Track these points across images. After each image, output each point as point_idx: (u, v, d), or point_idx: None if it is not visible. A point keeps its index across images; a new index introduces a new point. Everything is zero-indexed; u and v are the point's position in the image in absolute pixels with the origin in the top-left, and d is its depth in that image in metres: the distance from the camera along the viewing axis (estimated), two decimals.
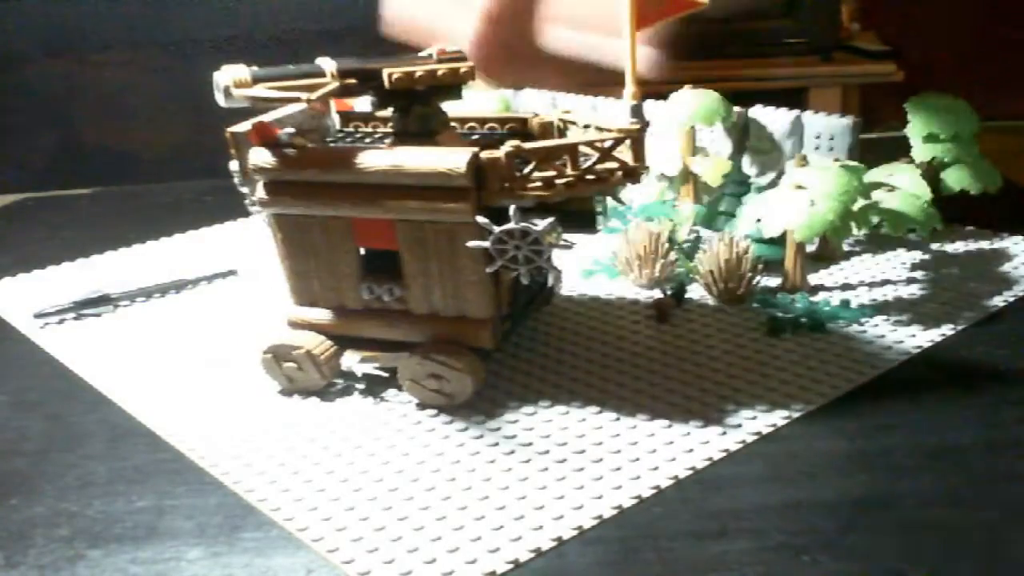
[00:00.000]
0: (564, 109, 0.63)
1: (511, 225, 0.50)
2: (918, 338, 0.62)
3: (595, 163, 0.53)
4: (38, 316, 0.71)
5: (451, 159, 0.51)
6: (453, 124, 0.60)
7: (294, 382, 0.58)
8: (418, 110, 0.56)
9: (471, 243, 0.52)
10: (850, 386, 0.56)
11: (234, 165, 0.57)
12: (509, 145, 0.51)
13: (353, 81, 0.54)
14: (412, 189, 0.52)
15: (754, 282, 0.68)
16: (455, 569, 0.42)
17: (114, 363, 0.64)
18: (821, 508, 0.46)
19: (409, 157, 0.52)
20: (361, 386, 0.58)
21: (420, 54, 0.57)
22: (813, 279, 0.71)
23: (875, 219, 0.67)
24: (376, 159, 0.53)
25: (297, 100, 0.52)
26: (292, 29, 1.44)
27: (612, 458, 0.50)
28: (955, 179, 0.75)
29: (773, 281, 0.70)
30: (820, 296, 0.68)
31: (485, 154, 0.51)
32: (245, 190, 0.57)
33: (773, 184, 0.67)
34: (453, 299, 0.55)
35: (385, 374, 0.57)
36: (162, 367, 0.63)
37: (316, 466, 0.51)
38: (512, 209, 0.51)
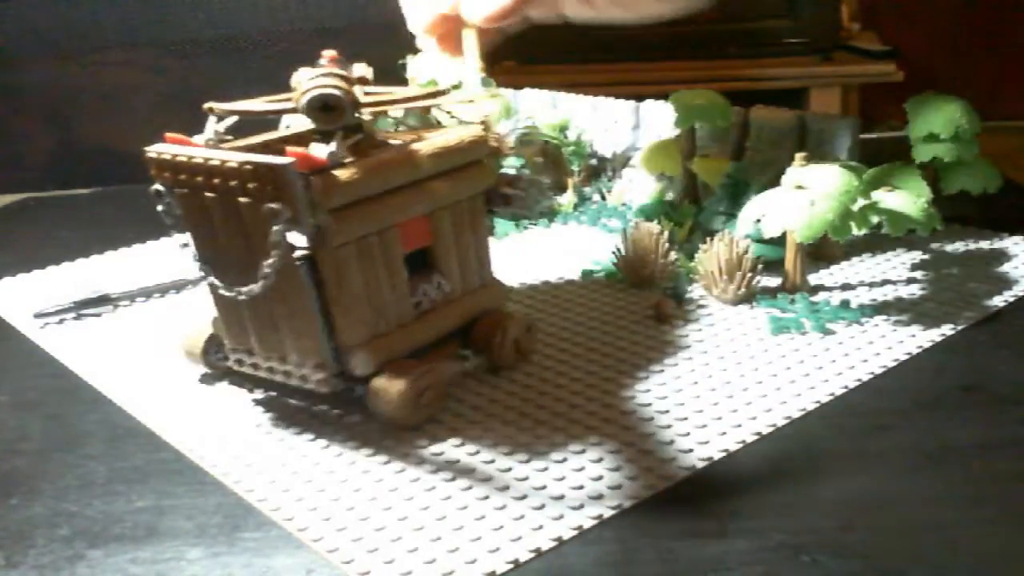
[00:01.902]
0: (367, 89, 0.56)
1: (528, 174, 0.59)
2: (918, 338, 0.62)
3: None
4: (38, 316, 0.71)
5: (468, 131, 0.56)
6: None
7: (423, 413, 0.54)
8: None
9: (507, 191, 0.58)
10: (850, 386, 0.56)
11: (283, 214, 0.47)
12: (482, 116, 0.57)
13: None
14: (446, 172, 0.55)
15: (754, 282, 0.68)
16: (455, 569, 0.42)
17: (114, 363, 0.64)
18: (821, 508, 0.46)
19: (439, 140, 0.54)
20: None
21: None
22: (813, 279, 0.71)
23: (875, 219, 0.67)
24: (420, 149, 0.53)
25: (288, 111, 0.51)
26: (291, 29, 1.44)
27: (612, 458, 0.50)
28: (955, 179, 0.75)
29: (773, 281, 0.70)
30: (820, 296, 0.68)
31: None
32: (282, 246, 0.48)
33: (773, 184, 0.67)
34: (478, 270, 0.59)
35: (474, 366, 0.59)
36: (162, 367, 0.63)
37: (316, 466, 0.51)
38: (521, 165, 0.58)
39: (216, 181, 0.50)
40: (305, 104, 0.49)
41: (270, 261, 0.49)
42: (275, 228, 0.47)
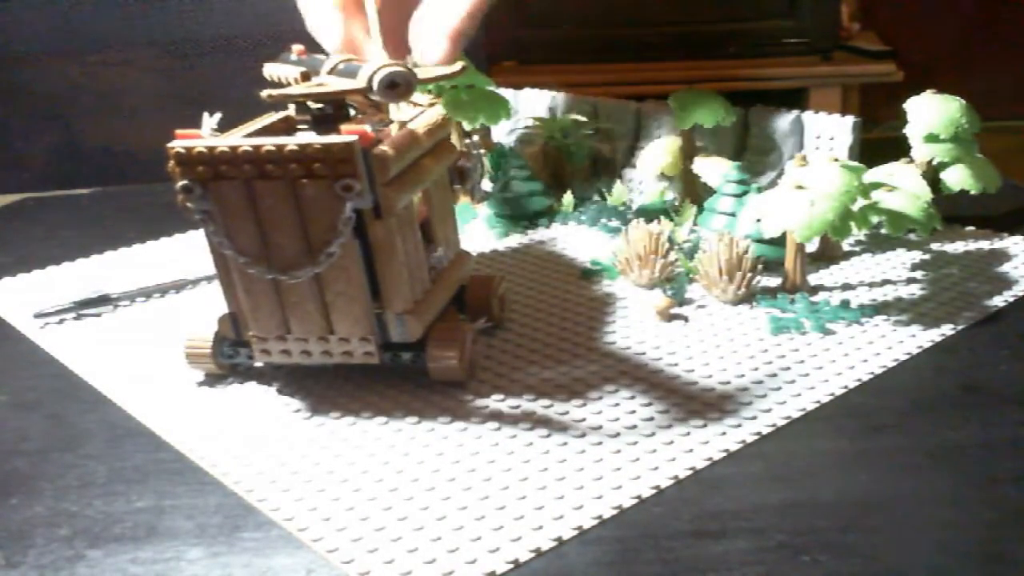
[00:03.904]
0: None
1: (472, 143, 0.63)
2: (918, 338, 0.62)
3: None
4: (38, 316, 0.71)
5: (439, 109, 0.60)
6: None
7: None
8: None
9: (464, 164, 0.61)
10: (850, 386, 0.56)
11: (360, 189, 0.50)
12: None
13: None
14: (432, 147, 0.58)
15: (754, 282, 0.68)
16: (455, 569, 0.42)
17: (114, 363, 0.64)
18: (821, 508, 0.46)
19: (427, 117, 0.58)
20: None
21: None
22: (813, 279, 0.71)
23: (875, 219, 0.67)
24: (419, 127, 0.56)
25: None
26: (291, 29, 1.44)
27: (612, 458, 0.50)
28: (955, 179, 0.75)
29: (773, 281, 0.70)
30: (820, 296, 0.68)
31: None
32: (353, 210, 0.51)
33: (773, 184, 0.67)
34: (455, 241, 0.63)
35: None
36: (162, 367, 0.63)
37: (316, 466, 0.51)
38: (474, 139, 0.61)
39: (271, 166, 0.50)
40: (377, 82, 0.52)
41: (340, 239, 0.51)
42: (348, 204, 0.50)
